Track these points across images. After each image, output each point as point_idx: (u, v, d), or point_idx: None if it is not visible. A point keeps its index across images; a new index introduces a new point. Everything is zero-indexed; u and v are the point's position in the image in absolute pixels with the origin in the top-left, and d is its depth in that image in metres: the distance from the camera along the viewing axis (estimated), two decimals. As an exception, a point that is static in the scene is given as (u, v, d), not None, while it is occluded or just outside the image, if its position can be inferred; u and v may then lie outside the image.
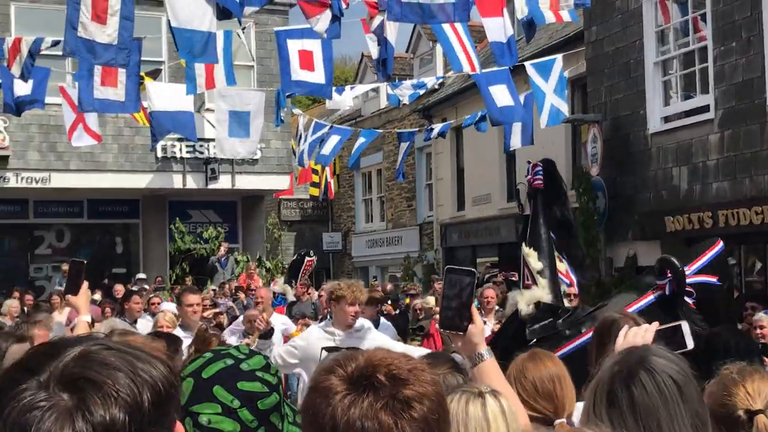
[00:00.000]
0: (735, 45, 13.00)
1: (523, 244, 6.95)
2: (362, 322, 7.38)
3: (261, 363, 2.05)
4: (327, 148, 18.16)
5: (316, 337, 7.09)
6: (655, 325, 2.98)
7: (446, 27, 12.24)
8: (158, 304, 13.45)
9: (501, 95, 15.20)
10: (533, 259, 6.68)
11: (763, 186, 12.45)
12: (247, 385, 1.97)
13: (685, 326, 3.03)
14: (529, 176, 7.32)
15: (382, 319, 11.22)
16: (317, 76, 13.17)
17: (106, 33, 8.81)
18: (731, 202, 12.93)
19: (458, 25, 12.39)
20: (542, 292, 6.44)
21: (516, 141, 15.93)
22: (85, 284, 4.66)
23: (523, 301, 6.34)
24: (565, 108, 14.88)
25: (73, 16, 8.50)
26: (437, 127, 18.97)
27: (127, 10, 8.93)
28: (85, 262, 4.74)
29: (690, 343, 2.99)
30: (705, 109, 13.68)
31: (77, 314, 4.77)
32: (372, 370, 1.71)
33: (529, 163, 7.46)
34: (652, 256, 14.58)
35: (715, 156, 13.38)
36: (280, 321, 10.31)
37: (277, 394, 2.02)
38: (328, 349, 6.07)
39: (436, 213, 26.30)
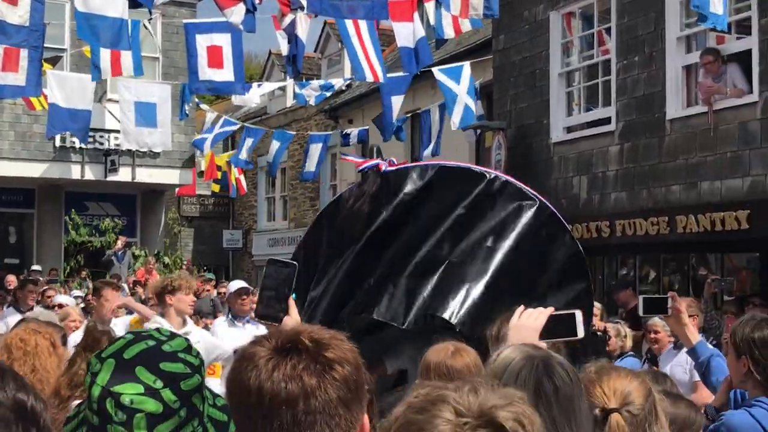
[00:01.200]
0: (638, 59, 13.31)
1: None
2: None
3: (183, 345, 2.05)
4: (243, 152, 18.04)
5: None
6: (550, 310, 3.04)
7: (352, 33, 12.26)
8: (52, 297, 13.09)
9: (397, 107, 15.40)
10: None
11: (660, 198, 12.78)
12: (169, 365, 1.97)
13: (579, 315, 3.08)
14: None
15: None
16: (226, 73, 13.04)
17: (18, 14, 8.60)
18: (629, 212, 13.23)
19: (364, 31, 12.43)
20: None
21: (426, 151, 16.14)
22: None
23: None
24: (477, 109, 15.11)
25: (-18, -5, 8.28)
26: (353, 133, 18.99)
27: (38, -8, 8.73)
28: None
29: (581, 332, 3.06)
30: (606, 121, 13.97)
31: None
32: (295, 336, 1.77)
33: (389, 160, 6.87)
34: (550, 263, 14.86)
35: (614, 167, 13.67)
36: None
37: (199, 376, 2.02)
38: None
39: (338, 213, 26.30)
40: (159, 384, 1.93)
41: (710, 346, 4.95)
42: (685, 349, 5.86)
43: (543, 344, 2.97)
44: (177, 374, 1.97)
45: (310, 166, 18.94)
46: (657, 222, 12.64)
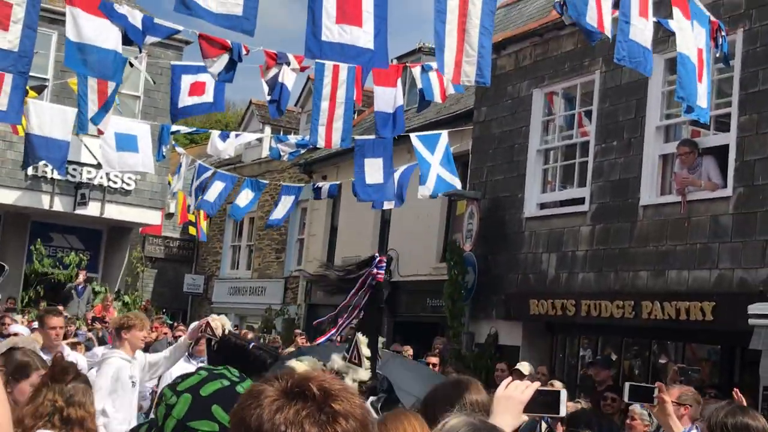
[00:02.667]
0: (616, 144, 13.52)
1: (359, 332, 7.07)
2: None
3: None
4: (211, 195, 17.97)
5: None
6: (537, 384, 3.08)
7: (326, 94, 12.40)
8: (8, 325, 12.92)
9: (374, 170, 15.47)
10: (364, 346, 6.90)
11: (627, 282, 12.90)
12: None
13: (563, 394, 3.13)
14: (373, 270, 7.27)
15: None
16: (206, 97, 13.13)
17: (7, 39, 8.59)
18: (595, 293, 13.33)
19: (341, 92, 12.56)
20: (366, 374, 6.76)
21: (388, 203, 16.17)
22: None
23: (349, 377, 6.67)
24: (456, 180, 15.21)
25: (-28, 17, 8.28)
26: (325, 187, 19.04)
27: (31, 19, 8.73)
28: (6, 267, 4.75)
29: (563, 411, 3.10)
30: (580, 201, 14.14)
31: None
32: (305, 382, 1.74)
33: (376, 257, 7.41)
34: (513, 336, 14.92)
35: (584, 247, 13.81)
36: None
37: None
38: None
39: (304, 268, 26.22)
40: None
41: None
42: None
43: (525, 417, 3.02)
44: None
45: (278, 215, 18.91)
46: (622, 305, 12.74)
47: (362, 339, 6.88)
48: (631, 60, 8.12)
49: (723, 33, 9.57)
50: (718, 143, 12.19)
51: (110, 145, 15.33)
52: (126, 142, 15.44)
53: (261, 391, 1.74)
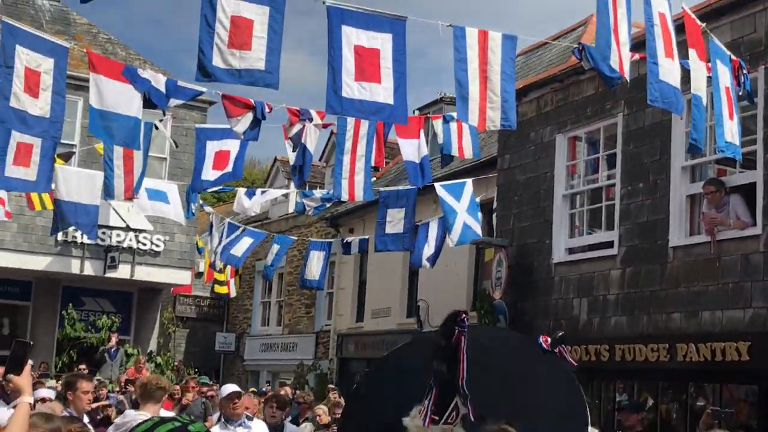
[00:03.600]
0: (642, 186, 13.48)
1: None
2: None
3: (204, 428, 2.30)
4: (238, 250, 18.06)
5: None
6: None
7: (347, 148, 12.51)
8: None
9: (395, 220, 15.55)
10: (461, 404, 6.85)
11: (660, 324, 12.78)
12: None
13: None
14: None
15: (288, 424, 11.04)
16: (227, 169, 13.28)
17: (38, 106, 8.76)
18: (628, 337, 13.21)
19: (361, 145, 12.68)
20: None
21: (424, 260, 16.23)
22: (29, 365, 4.65)
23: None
24: (478, 228, 15.19)
25: (5, 86, 8.43)
26: (354, 242, 19.09)
27: (59, 86, 8.91)
28: (31, 343, 4.88)
29: None
30: (609, 244, 14.06)
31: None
32: None
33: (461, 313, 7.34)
34: (547, 384, 14.75)
35: (615, 291, 13.71)
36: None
37: None
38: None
39: (334, 322, 26.20)
40: None
41: None
42: None
43: None
44: None
45: (311, 273, 18.91)
46: (657, 348, 12.62)
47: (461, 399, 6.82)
48: (664, 101, 8.13)
49: (744, 71, 9.59)
50: (744, 181, 12.12)
51: (142, 196, 15.50)
52: (157, 195, 15.63)
53: None
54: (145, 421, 2.28)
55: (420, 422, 6.28)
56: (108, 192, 13.27)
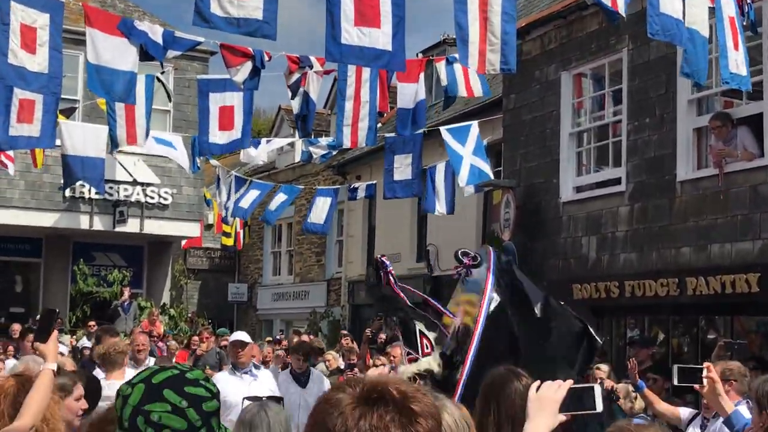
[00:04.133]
0: (648, 121, 13.38)
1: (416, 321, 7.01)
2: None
3: (202, 375, 2.33)
4: (246, 202, 18.02)
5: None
6: (569, 383, 3.03)
7: (350, 94, 12.39)
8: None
9: (403, 167, 15.44)
10: (429, 333, 6.88)
11: (669, 259, 12.76)
12: (193, 389, 2.24)
13: (597, 389, 3.07)
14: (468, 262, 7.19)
15: (313, 370, 11.11)
16: (234, 133, 13.14)
17: (36, 62, 8.69)
18: (638, 273, 13.21)
19: (365, 91, 12.56)
20: (435, 364, 6.70)
21: (440, 207, 16.13)
22: (55, 333, 4.71)
23: (415, 369, 6.63)
24: (488, 168, 15.10)
25: (3, 42, 8.36)
26: (361, 188, 19.03)
27: (55, 42, 8.83)
28: (58, 311, 4.91)
29: (599, 406, 3.04)
30: (616, 181, 14.01)
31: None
32: (382, 387, 1.80)
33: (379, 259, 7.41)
34: (558, 322, 14.79)
35: (624, 228, 13.68)
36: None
37: (217, 401, 2.28)
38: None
39: (345, 270, 26.26)
40: (184, 404, 2.20)
41: (746, 416, 4.94)
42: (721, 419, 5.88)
43: (562, 417, 2.96)
44: (200, 397, 2.23)
45: (316, 218, 18.86)
46: (666, 283, 12.62)
47: (423, 328, 6.83)
48: (665, 33, 8.02)
49: (749, 1, 9.45)
50: (751, 112, 12.02)
51: (150, 141, 15.46)
52: (165, 143, 15.61)
53: (340, 400, 1.79)
54: (143, 370, 2.35)
55: (406, 367, 6.46)
56: (113, 141, 13.21)
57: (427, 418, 1.78)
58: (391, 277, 7.10)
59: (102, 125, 14.46)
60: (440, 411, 1.90)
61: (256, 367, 9.54)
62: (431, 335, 6.78)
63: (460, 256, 6.53)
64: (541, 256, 15.35)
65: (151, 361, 10.28)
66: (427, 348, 6.80)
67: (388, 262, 7.19)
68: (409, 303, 7.07)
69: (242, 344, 9.34)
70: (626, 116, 13.88)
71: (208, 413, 2.23)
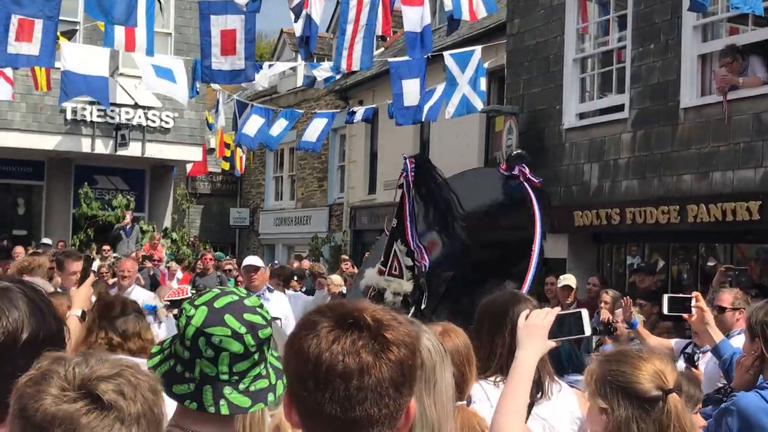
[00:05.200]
0: (653, 47, 13.26)
1: (398, 240, 6.96)
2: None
3: (258, 302, 2.45)
4: (250, 129, 17.95)
5: None
6: (557, 310, 3.13)
7: (351, 18, 12.25)
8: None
9: (411, 91, 15.35)
10: (404, 255, 6.86)
11: (671, 186, 12.76)
12: (250, 316, 2.37)
13: (585, 313, 3.15)
14: (403, 172, 7.07)
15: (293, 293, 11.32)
16: (237, 60, 13.01)
17: (32, -16, 8.60)
18: (639, 200, 13.21)
19: (364, 14, 12.42)
20: (408, 285, 6.72)
21: (425, 114, 16.08)
22: (90, 280, 4.72)
23: (390, 289, 6.66)
24: (479, 102, 15.03)
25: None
26: (359, 111, 18.93)
27: (51, -37, 8.72)
28: (93, 258, 4.88)
29: (588, 330, 3.13)
30: (620, 108, 13.93)
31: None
32: (358, 313, 1.84)
33: (405, 158, 7.26)
34: (559, 249, 14.87)
35: (626, 155, 13.65)
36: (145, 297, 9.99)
37: (270, 328, 2.42)
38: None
39: (347, 195, 26.30)
40: (243, 330, 2.34)
41: (733, 345, 5.01)
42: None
43: (552, 343, 3.03)
44: (256, 324, 2.37)
45: (309, 136, 18.85)
46: (668, 211, 12.63)
47: (401, 248, 6.84)
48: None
49: None
50: (758, 39, 11.88)
51: (149, 73, 15.33)
52: (164, 73, 15.48)
53: (316, 322, 1.85)
54: (206, 293, 2.47)
55: (375, 272, 6.55)
56: (108, 41, 13.05)
57: (399, 346, 1.81)
58: (406, 182, 6.92)
59: (104, 47, 14.37)
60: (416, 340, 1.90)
61: (269, 290, 9.62)
62: (407, 261, 6.77)
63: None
64: (543, 183, 15.16)
65: (136, 288, 10.22)
66: (395, 270, 6.81)
67: (411, 166, 6.98)
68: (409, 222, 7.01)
69: (255, 268, 9.43)
70: (631, 42, 13.75)
71: (262, 339, 2.37)
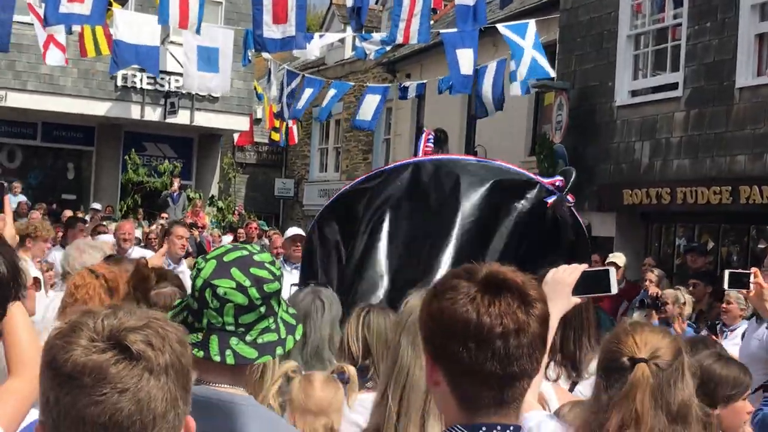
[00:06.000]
0: (709, 25, 13.08)
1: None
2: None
3: (269, 258, 2.52)
4: (301, 102, 18.00)
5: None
6: (584, 266, 3.08)
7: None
8: (102, 233, 13.15)
9: (465, 61, 15.23)
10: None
11: (724, 167, 12.61)
12: (257, 270, 2.44)
13: (612, 271, 3.11)
14: (423, 144, 6.70)
15: None
16: (289, 28, 13.00)
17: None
18: (691, 180, 13.08)
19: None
20: None
21: (489, 106, 16.00)
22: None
23: None
24: (547, 65, 14.88)
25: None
26: (411, 86, 18.88)
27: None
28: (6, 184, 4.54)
29: (614, 288, 3.07)
30: (673, 86, 13.77)
31: None
32: (501, 276, 1.95)
33: (425, 130, 7.03)
34: (607, 227, 14.78)
35: (679, 134, 13.51)
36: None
37: (279, 283, 2.49)
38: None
39: (391, 168, 26.25)
40: (248, 283, 2.41)
41: None
42: (765, 324, 5.94)
43: (576, 299, 3.00)
44: (262, 278, 2.44)
45: (365, 114, 18.82)
46: (719, 191, 12.49)
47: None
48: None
49: None
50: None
51: (191, 61, 15.41)
52: (207, 59, 15.51)
53: (463, 287, 1.93)
54: (219, 247, 2.56)
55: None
56: (163, 17, 13.13)
57: (541, 302, 1.95)
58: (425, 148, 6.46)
59: (155, 15, 14.45)
60: None
61: None
62: None
63: None
64: (593, 160, 15.23)
65: (136, 249, 10.34)
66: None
67: (430, 137, 6.65)
68: None
69: (301, 238, 9.42)
70: (686, 20, 13.57)
71: (268, 293, 2.43)
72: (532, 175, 5.98)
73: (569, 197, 5.60)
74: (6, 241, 2.20)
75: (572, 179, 5.65)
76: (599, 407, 2.66)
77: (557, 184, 5.59)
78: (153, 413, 1.50)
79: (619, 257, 12.22)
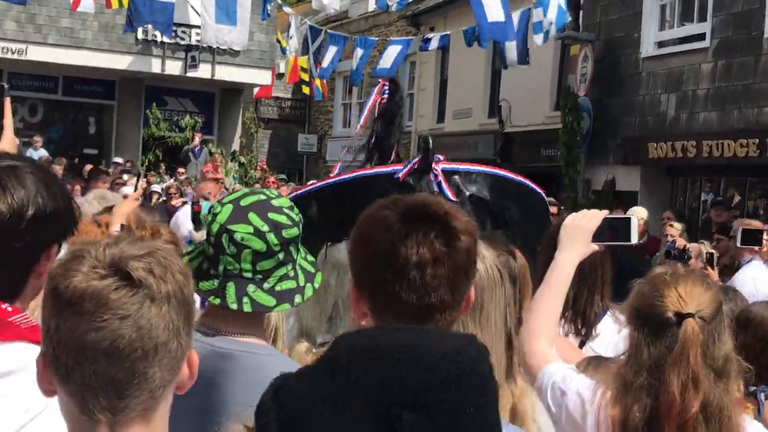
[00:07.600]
0: (738, -27, 12.78)
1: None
2: None
3: (287, 203, 2.45)
4: (326, 60, 17.84)
5: None
6: (605, 213, 2.96)
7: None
8: (123, 185, 13.11)
9: (493, 9, 14.92)
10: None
11: (752, 119, 12.36)
12: (275, 216, 2.36)
13: (634, 221, 3.03)
14: (375, 96, 6.20)
15: None
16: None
17: None
18: (717, 133, 12.84)
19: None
20: None
21: (512, 58, 15.72)
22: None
23: None
24: (567, 13, 14.63)
25: None
26: (434, 38, 18.63)
27: None
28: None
29: (635, 238, 3.00)
30: (701, 37, 13.50)
31: None
32: (423, 205, 1.89)
33: (379, 81, 6.61)
34: (631, 181, 14.58)
35: (705, 86, 13.24)
36: None
37: (298, 229, 2.40)
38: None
39: (415, 123, 26.05)
40: (266, 228, 2.34)
41: None
42: None
43: (594, 246, 2.87)
44: (281, 224, 2.36)
45: (384, 63, 18.64)
46: (746, 144, 12.26)
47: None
48: None
49: None
50: None
51: (210, 14, 15.26)
52: (225, 11, 15.35)
53: (386, 217, 1.88)
54: (234, 192, 2.50)
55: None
56: None
57: (466, 233, 1.87)
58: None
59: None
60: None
61: None
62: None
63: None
64: (618, 112, 14.99)
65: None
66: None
67: (440, 157, 6.14)
68: None
69: None
70: (715, -32, 13.26)
71: (287, 239, 2.36)
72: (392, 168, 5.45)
73: (435, 166, 4.94)
74: (61, 182, 2.16)
75: (430, 146, 4.95)
76: (640, 365, 2.49)
77: (417, 167, 5.02)
78: (154, 341, 1.50)
79: (640, 211, 12.02)
